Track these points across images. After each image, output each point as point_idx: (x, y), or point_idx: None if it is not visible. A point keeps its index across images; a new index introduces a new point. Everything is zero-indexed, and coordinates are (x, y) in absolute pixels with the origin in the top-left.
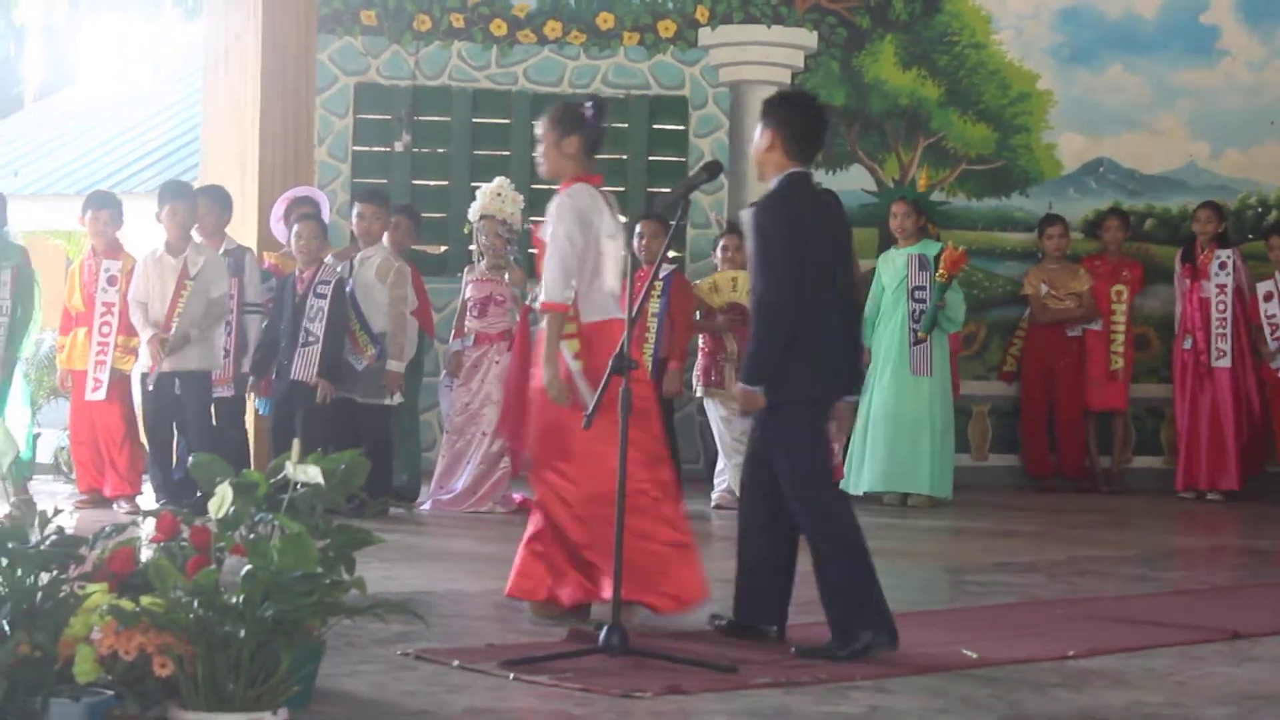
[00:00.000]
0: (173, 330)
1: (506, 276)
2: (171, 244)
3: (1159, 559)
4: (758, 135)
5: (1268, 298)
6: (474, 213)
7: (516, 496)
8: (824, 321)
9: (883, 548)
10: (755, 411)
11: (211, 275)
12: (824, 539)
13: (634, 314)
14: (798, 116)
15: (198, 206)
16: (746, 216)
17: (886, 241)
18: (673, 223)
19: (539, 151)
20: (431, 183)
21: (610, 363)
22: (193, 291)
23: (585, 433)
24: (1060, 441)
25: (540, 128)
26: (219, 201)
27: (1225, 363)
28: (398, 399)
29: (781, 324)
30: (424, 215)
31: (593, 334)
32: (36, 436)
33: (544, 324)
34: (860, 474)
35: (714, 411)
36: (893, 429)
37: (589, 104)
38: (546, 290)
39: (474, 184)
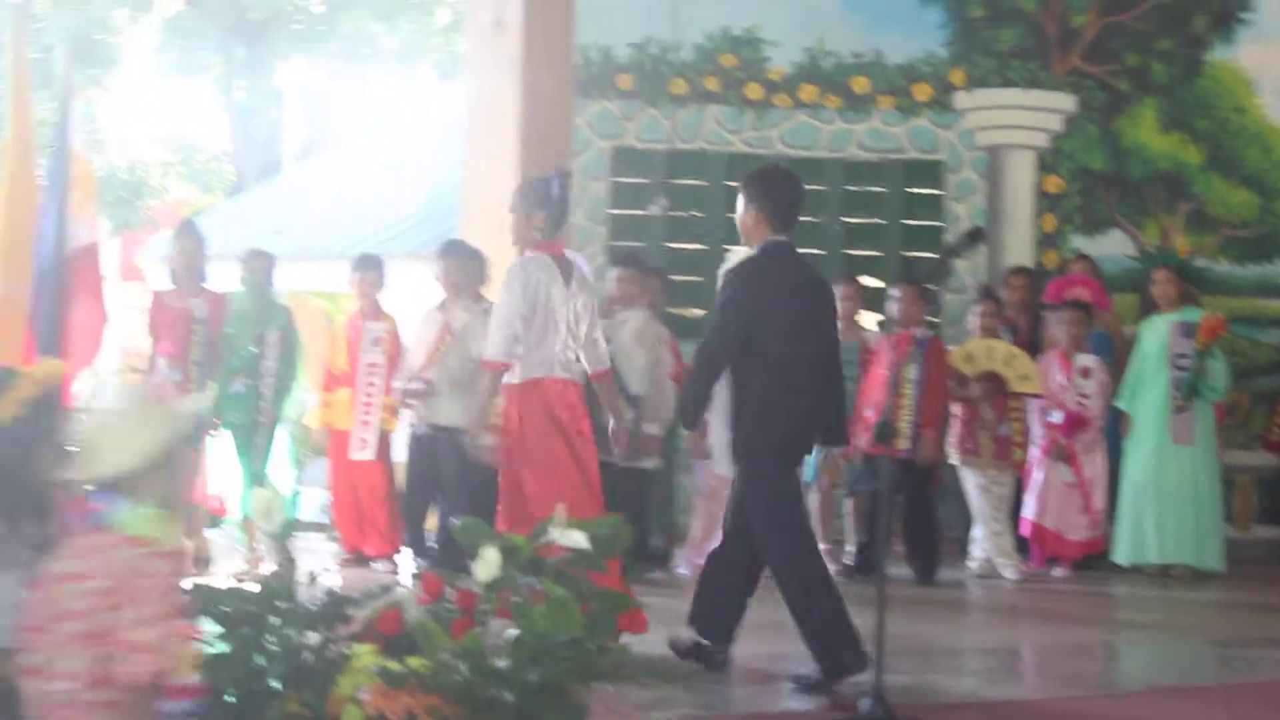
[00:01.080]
0: (435, 382)
1: None
2: (444, 299)
3: None
4: (741, 208)
5: None
6: (724, 276)
7: None
8: (789, 381)
9: (1144, 620)
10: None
11: (474, 332)
12: (791, 580)
13: (894, 380)
14: (779, 191)
15: (468, 264)
16: (722, 274)
17: (1147, 307)
18: (931, 287)
19: (510, 223)
20: (687, 246)
21: (875, 430)
22: (450, 346)
23: (537, 482)
24: None
25: (512, 200)
26: (469, 260)
27: None
28: (654, 462)
29: (711, 373)
30: (679, 278)
31: (525, 391)
32: (298, 495)
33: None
34: (1122, 544)
35: (970, 480)
36: (1154, 499)
37: (555, 179)
38: (489, 349)
39: (726, 247)
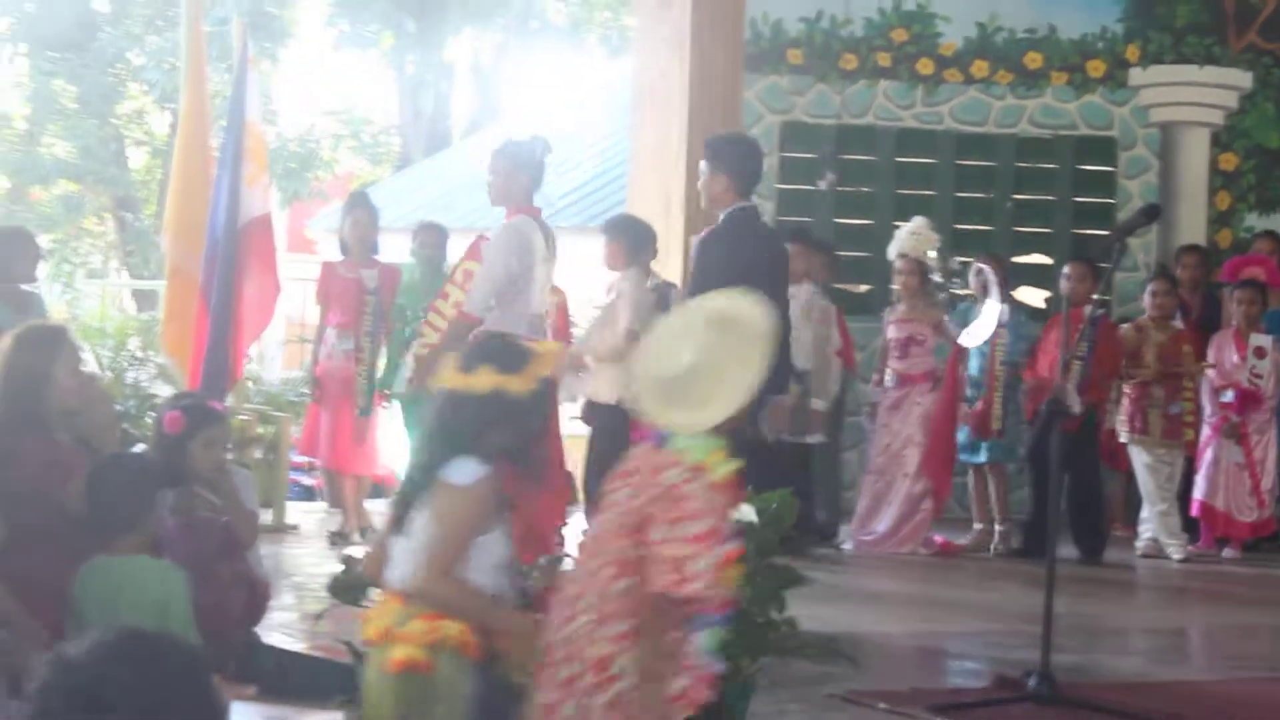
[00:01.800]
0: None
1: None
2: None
3: None
4: (707, 175)
5: None
6: (892, 252)
7: (938, 539)
8: None
9: None
10: None
11: (628, 307)
12: None
13: (1067, 357)
14: (750, 160)
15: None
16: (695, 242)
17: None
18: (1103, 265)
19: (489, 182)
20: (855, 221)
21: (1045, 406)
22: (597, 320)
23: None
24: None
25: (492, 160)
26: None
27: None
28: (819, 437)
29: None
30: (847, 254)
31: None
32: None
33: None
34: None
35: (1139, 458)
36: None
37: (539, 143)
38: (469, 302)
39: (895, 223)
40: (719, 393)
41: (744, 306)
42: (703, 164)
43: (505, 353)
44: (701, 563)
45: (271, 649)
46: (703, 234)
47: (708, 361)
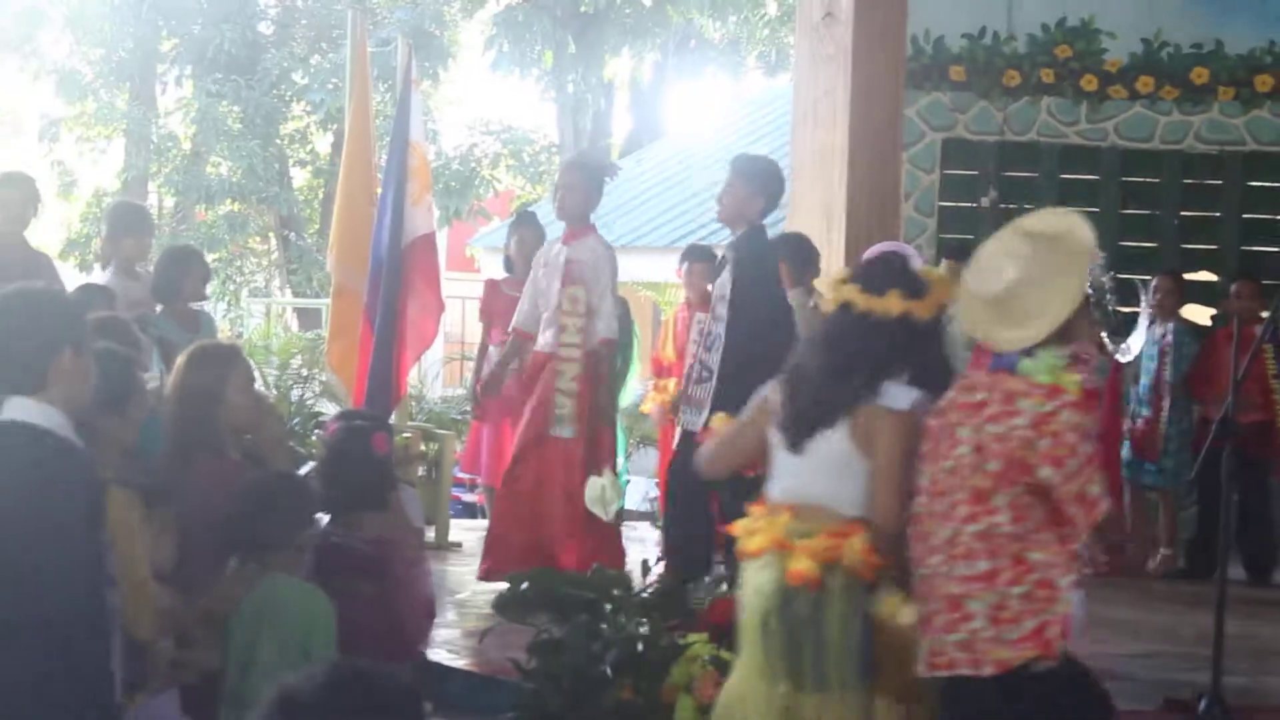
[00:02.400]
0: None
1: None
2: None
3: None
4: (742, 189)
5: None
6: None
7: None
8: None
9: None
10: None
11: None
12: None
13: (1240, 376)
14: (780, 185)
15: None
16: (729, 250)
17: None
18: (1265, 283)
19: (563, 197)
20: None
21: (1215, 429)
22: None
23: None
24: None
25: (569, 177)
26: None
27: None
28: None
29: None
30: None
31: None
32: (627, 484)
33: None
34: None
35: None
36: None
37: (611, 169)
38: (602, 328)
39: None
40: (1045, 306)
41: (1063, 221)
42: (732, 177)
43: (911, 278)
44: (1096, 485)
45: (437, 666)
46: (739, 240)
47: (1030, 276)
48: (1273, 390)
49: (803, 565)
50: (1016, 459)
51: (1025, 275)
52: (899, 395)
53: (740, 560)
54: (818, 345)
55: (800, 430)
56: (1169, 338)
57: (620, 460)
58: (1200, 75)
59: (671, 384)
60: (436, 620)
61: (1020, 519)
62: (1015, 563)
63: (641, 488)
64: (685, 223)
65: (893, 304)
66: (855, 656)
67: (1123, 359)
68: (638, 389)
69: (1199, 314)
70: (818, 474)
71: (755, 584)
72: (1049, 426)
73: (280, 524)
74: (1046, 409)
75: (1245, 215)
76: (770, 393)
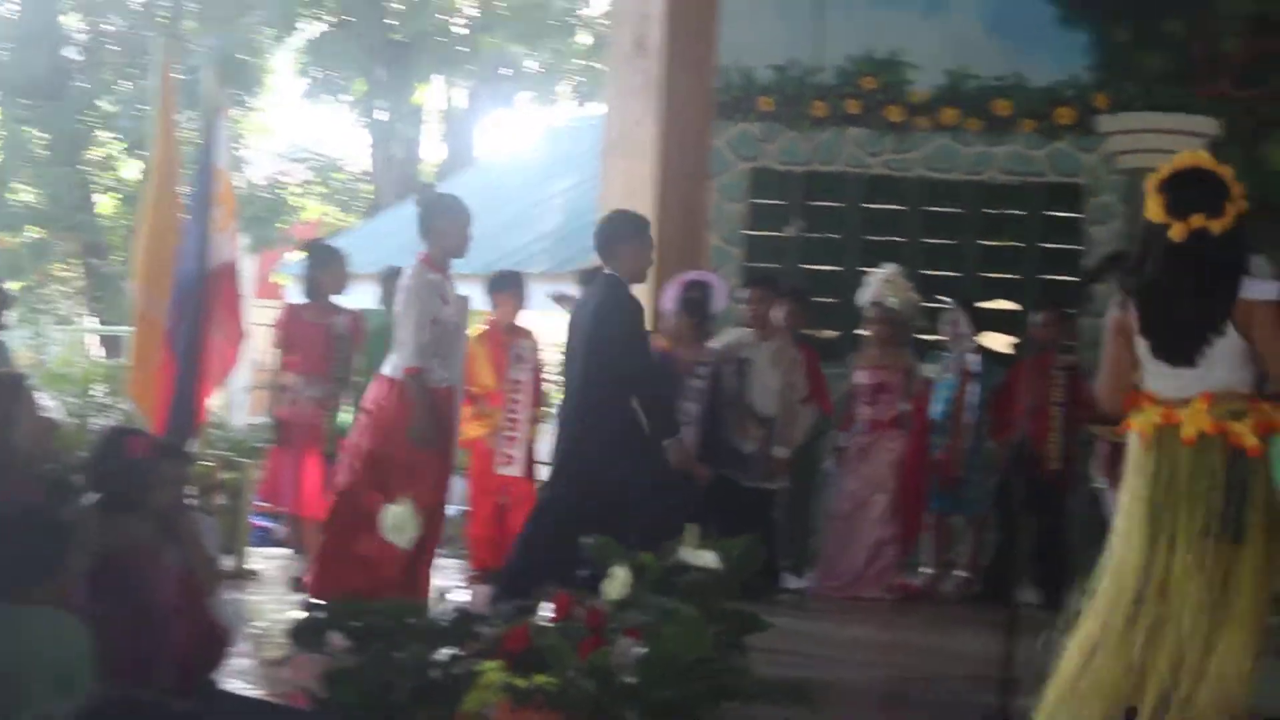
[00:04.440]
0: None
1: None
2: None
3: None
4: (631, 245)
5: None
6: (864, 299)
7: (904, 582)
8: None
9: None
10: None
11: None
12: None
13: (1033, 404)
14: None
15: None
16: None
17: None
18: (1069, 312)
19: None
20: (823, 268)
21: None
22: None
23: None
24: None
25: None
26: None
27: None
28: (782, 483)
29: None
30: (815, 300)
31: None
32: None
33: None
34: None
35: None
36: None
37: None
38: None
39: (862, 270)
40: None
41: None
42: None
43: (1221, 189)
44: None
45: (230, 696)
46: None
47: None
48: (1052, 419)
49: (1250, 440)
50: None
51: None
52: (1264, 289)
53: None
54: (1175, 269)
55: (1194, 345)
56: (970, 366)
57: None
58: (1003, 108)
59: (486, 410)
60: (232, 650)
61: None
62: None
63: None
64: (495, 249)
65: (1209, 221)
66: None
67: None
68: None
69: (998, 342)
70: (1217, 369)
71: (1198, 464)
72: None
73: (22, 559)
74: None
75: (1044, 244)
76: (1122, 317)
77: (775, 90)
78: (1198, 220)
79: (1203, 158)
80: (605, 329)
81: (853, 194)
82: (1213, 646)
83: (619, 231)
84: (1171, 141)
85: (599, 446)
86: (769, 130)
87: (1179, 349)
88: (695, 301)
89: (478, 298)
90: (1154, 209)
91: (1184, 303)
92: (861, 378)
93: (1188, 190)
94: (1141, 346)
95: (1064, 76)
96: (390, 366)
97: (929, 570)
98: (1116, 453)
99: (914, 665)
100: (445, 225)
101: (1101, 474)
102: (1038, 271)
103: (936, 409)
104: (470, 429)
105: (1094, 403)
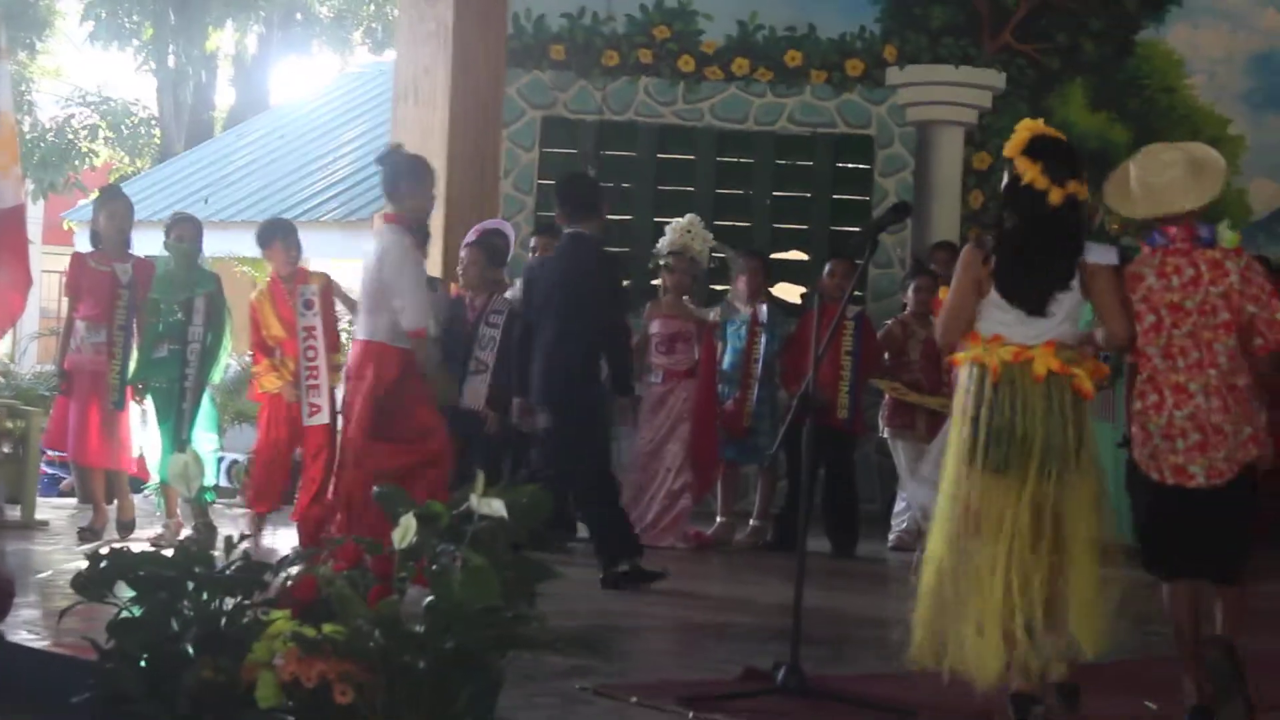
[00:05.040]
0: None
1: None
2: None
3: None
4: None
5: None
6: (663, 248)
7: (696, 532)
8: None
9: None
10: None
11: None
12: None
13: (820, 352)
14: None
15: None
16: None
17: None
18: (859, 262)
19: None
20: (615, 217)
21: (796, 405)
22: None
23: None
24: None
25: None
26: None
27: None
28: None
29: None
30: (607, 249)
31: None
32: (221, 461)
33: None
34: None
35: (903, 454)
36: None
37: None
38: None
39: (657, 219)
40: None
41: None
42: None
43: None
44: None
45: (16, 647)
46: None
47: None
48: (842, 368)
49: (1087, 384)
50: (1235, 306)
51: (1190, 161)
52: (1105, 253)
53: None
54: (1046, 229)
55: (1043, 297)
56: (760, 317)
57: (214, 438)
58: (793, 58)
59: (277, 359)
60: (18, 600)
61: (1232, 358)
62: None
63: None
64: (287, 198)
65: (1078, 188)
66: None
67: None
68: (233, 364)
69: (789, 293)
70: (1058, 321)
71: (1049, 399)
72: (1250, 274)
73: None
74: (1243, 263)
75: (835, 196)
76: (974, 268)
77: (567, 39)
78: (1073, 186)
79: (1048, 127)
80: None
81: (644, 143)
82: (1060, 577)
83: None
84: (958, 94)
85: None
86: (561, 79)
87: (1038, 300)
88: (497, 249)
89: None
90: (1033, 174)
91: (1048, 259)
92: (656, 327)
93: (1060, 158)
94: (995, 296)
95: (854, 28)
96: (382, 331)
97: (721, 519)
98: (902, 403)
99: (706, 614)
100: (413, 187)
101: (887, 424)
102: (828, 223)
103: (727, 359)
104: (267, 381)
105: (879, 353)
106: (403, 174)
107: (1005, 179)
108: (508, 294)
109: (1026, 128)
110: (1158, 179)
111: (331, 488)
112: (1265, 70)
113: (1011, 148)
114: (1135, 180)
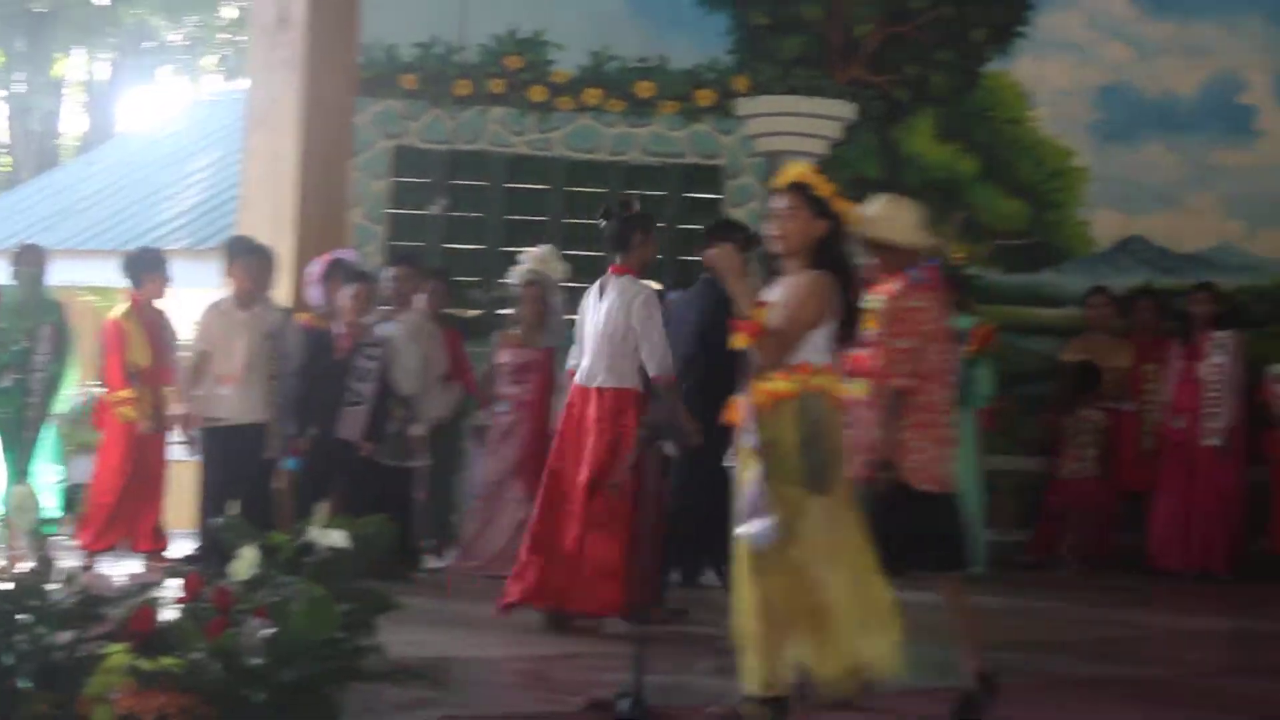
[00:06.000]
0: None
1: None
2: (242, 297)
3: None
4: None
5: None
6: (518, 278)
7: None
8: None
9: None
10: None
11: (283, 333)
12: None
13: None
14: None
15: (270, 263)
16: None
17: None
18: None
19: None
20: (466, 246)
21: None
22: (266, 345)
23: None
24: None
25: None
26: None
27: (1214, 442)
28: (421, 462)
29: None
30: (458, 279)
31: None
32: (65, 492)
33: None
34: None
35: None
36: None
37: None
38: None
39: (508, 249)
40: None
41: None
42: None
43: None
44: None
45: None
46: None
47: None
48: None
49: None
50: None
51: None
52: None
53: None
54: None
55: (856, 325)
56: None
57: (58, 468)
58: (645, 89)
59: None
60: None
61: None
62: None
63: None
64: (134, 226)
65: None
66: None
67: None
68: (77, 396)
69: None
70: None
71: (836, 420)
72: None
73: None
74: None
75: (685, 226)
76: (829, 297)
77: (419, 68)
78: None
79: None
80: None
81: (496, 173)
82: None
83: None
84: (808, 125)
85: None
86: (412, 108)
87: (851, 323)
88: (366, 279)
89: (114, 275)
90: (852, 213)
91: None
92: (507, 357)
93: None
94: (831, 324)
95: (705, 59)
96: (631, 377)
97: None
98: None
99: (548, 643)
100: (644, 238)
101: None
102: (678, 252)
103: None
104: (126, 411)
105: None
106: (636, 226)
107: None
108: (378, 328)
109: (813, 167)
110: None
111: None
112: (1110, 102)
113: (831, 187)
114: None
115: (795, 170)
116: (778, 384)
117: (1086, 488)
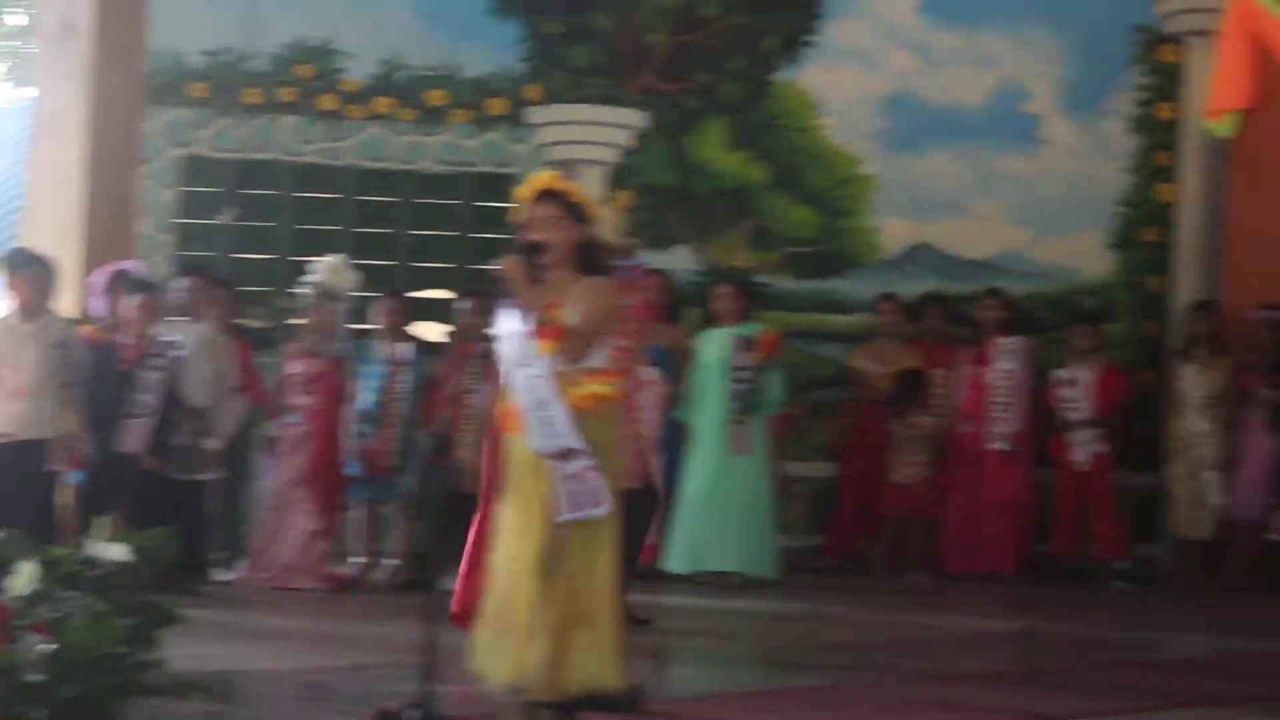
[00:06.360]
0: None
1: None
2: (27, 309)
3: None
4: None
5: (1066, 384)
6: (309, 288)
7: (335, 572)
8: None
9: (694, 628)
10: None
11: (71, 344)
12: None
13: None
14: None
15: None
16: None
17: (710, 321)
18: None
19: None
20: (256, 256)
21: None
22: (54, 358)
23: None
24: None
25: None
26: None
27: (1002, 446)
28: (214, 474)
29: None
30: (248, 289)
31: None
32: None
33: None
34: (678, 552)
35: None
36: (706, 507)
37: None
38: None
39: (298, 258)
40: None
41: None
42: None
43: None
44: None
45: None
46: None
47: None
48: (463, 406)
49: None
50: None
51: None
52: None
53: None
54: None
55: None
56: (399, 356)
57: None
58: (437, 98)
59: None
60: None
61: None
62: None
63: None
64: None
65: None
66: None
67: None
68: None
69: (431, 332)
70: None
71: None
72: None
73: None
74: None
75: (476, 235)
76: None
77: (208, 76)
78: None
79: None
80: None
81: (286, 182)
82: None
83: None
84: (599, 133)
85: None
86: (201, 116)
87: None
88: (152, 290)
89: None
90: (604, 217)
91: None
92: (296, 367)
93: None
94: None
95: (496, 68)
96: None
97: (360, 559)
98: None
99: (339, 654)
100: None
101: None
102: (469, 261)
103: (368, 399)
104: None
105: None
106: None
107: None
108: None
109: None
110: None
111: None
112: (896, 111)
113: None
114: None
115: (543, 178)
116: (595, 387)
117: (917, 493)
